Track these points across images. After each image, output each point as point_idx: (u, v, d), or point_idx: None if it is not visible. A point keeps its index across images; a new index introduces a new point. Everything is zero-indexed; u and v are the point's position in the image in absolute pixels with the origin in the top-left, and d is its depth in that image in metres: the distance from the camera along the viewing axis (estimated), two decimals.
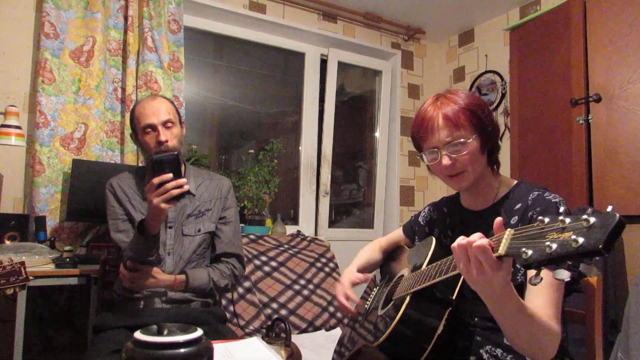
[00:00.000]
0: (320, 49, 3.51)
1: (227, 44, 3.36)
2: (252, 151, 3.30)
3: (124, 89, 2.58)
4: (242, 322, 2.34)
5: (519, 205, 1.08)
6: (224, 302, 2.36)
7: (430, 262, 1.08)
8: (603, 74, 2.42)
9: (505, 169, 3.10)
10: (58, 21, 2.42)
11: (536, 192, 1.07)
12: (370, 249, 1.52)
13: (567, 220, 0.64)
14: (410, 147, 3.79)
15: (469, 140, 1.06)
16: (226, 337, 1.52)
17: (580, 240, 0.60)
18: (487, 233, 1.11)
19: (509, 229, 0.77)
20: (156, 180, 1.37)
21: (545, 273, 0.94)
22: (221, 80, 3.44)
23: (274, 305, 2.48)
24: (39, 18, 2.42)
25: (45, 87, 2.36)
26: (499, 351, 1.05)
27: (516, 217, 1.07)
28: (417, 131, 1.13)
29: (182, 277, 1.61)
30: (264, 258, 2.63)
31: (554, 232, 0.66)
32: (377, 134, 3.81)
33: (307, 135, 3.49)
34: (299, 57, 3.51)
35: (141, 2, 2.63)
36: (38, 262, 1.79)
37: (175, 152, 1.44)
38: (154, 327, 0.47)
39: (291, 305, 2.52)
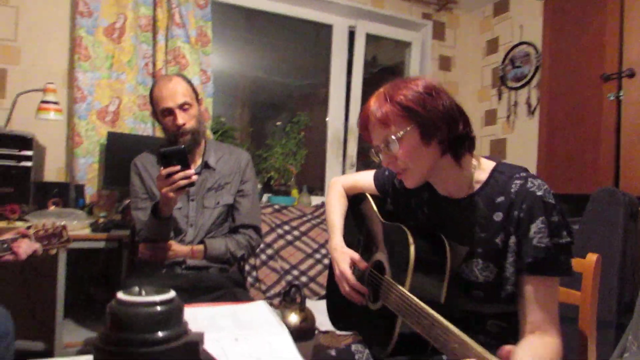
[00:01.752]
0: (348, 21, 3.50)
1: (256, 17, 3.40)
2: (279, 123, 3.38)
3: (154, 64, 2.69)
4: (263, 287, 2.48)
5: (501, 199, 0.99)
6: (247, 267, 2.50)
7: (414, 278, 1.01)
8: (638, 48, 2.32)
9: (532, 145, 3.04)
10: (91, 0, 2.53)
11: (518, 182, 0.97)
12: (339, 201, 1.41)
13: None
14: None
15: (399, 134, 0.97)
16: (240, 300, 1.64)
17: None
18: (467, 224, 1.03)
19: None
20: (164, 172, 1.48)
21: (541, 282, 0.93)
22: (251, 53, 3.51)
23: (295, 272, 2.60)
24: None
25: (82, 63, 2.50)
26: (481, 337, 1.04)
27: (501, 214, 0.98)
28: (360, 131, 1.09)
29: (201, 247, 1.73)
30: (286, 227, 2.74)
31: None
32: None
33: (335, 108, 3.52)
34: (327, 29, 3.51)
35: None
36: (76, 226, 1.96)
37: (182, 146, 1.53)
38: (136, 288, 0.56)
39: (312, 273, 2.64)
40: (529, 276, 0.94)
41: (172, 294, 0.57)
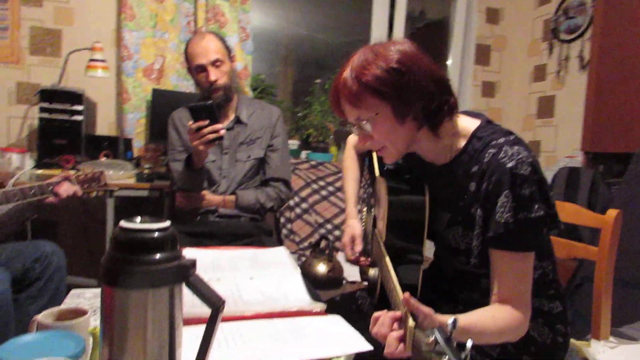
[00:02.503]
0: None
1: None
2: (319, 80, 3.39)
3: (196, 22, 2.77)
4: (297, 239, 2.59)
5: (475, 168, 0.95)
6: (282, 220, 2.62)
7: (389, 232, 1.05)
8: None
9: (583, 102, 2.89)
10: None
11: (491, 151, 0.92)
12: (350, 168, 1.46)
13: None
14: (484, 77, 3.63)
15: (371, 117, 0.93)
16: (267, 246, 1.74)
17: None
18: (448, 192, 1.02)
19: (410, 325, 0.68)
20: (193, 126, 1.57)
21: (505, 257, 0.91)
22: (291, 10, 3.50)
23: (329, 226, 2.69)
24: None
25: (127, 23, 2.62)
26: (476, 295, 1.05)
27: (474, 184, 0.95)
28: (331, 106, 1.02)
29: (232, 197, 1.84)
30: (322, 183, 2.81)
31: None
32: (449, 62, 3.69)
33: None
34: None
35: None
36: (122, 176, 2.13)
37: (210, 102, 1.61)
38: (138, 218, 0.65)
39: None
40: (493, 250, 0.92)
41: (167, 223, 0.66)
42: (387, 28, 3.46)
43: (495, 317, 0.89)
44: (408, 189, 1.09)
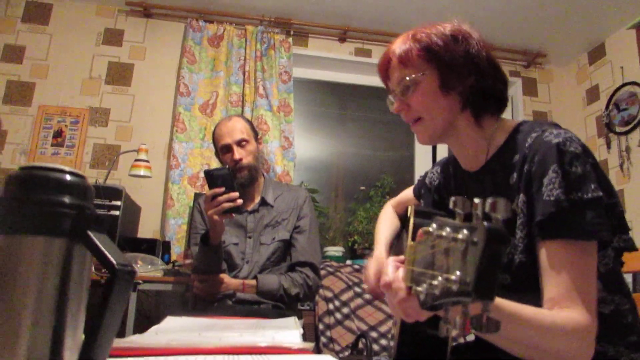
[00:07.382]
0: None
1: (338, 91, 3.59)
2: (363, 188, 3.35)
3: None
4: (337, 348, 2.29)
5: (517, 157, 0.84)
6: (320, 326, 2.36)
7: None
8: None
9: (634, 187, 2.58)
10: (190, 82, 2.93)
11: (534, 135, 0.82)
12: (387, 220, 1.32)
13: (460, 232, 0.41)
14: None
15: (417, 76, 0.87)
16: None
17: (455, 275, 0.40)
18: (485, 195, 0.88)
19: (410, 243, 0.57)
20: (209, 193, 1.53)
21: (558, 247, 0.73)
22: (339, 127, 3.65)
23: (374, 334, 2.37)
24: (177, 81, 2.97)
25: (179, 135, 2.83)
26: None
27: (515, 175, 0.84)
28: (380, 75, 0.99)
29: (253, 281, 1.70)
30: (365, 286, 2.57)
31: (442, 254, 0.44)
32: None
33: (421, 171, 3.42)
34: None
35: (256, 59, 3.03)
36: (149, 270, 2.07)
37: (227, 167, 1.58)
38: None
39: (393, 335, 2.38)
40: (542, 241, 0.75)
41: (81, 173, 0.56)
42: (432, 148, 3.47)
43: (537, 311, 0.68)
44: (438, 212, 0.96)
